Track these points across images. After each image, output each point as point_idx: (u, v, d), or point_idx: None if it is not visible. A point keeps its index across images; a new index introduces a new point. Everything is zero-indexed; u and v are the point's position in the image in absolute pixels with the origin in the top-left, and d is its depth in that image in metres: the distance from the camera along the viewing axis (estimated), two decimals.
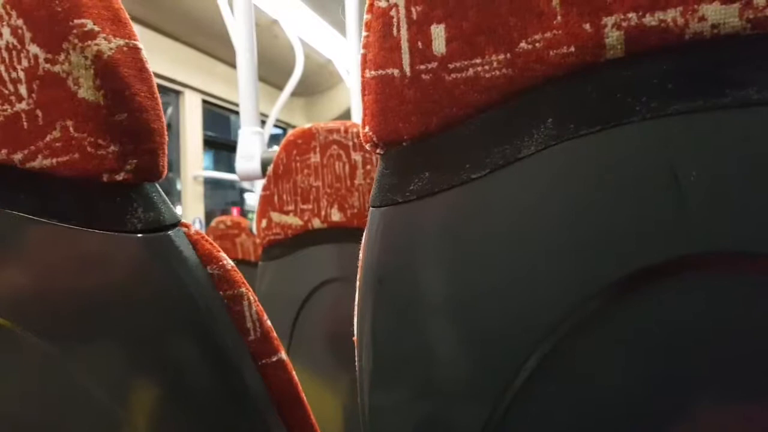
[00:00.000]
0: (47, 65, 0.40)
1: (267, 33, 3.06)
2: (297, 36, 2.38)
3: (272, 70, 3.14)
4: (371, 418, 0.41)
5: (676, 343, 0.33)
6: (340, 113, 4.23)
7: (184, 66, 3.11)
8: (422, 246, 0.38)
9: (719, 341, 0.32)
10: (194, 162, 3.16)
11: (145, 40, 2.75)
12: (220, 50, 3.22)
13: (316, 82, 4.08)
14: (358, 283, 0.41)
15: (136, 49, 0.42)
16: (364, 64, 0.37)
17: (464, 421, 0.37)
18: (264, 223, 1.10)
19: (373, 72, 0.36)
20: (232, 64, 1.47)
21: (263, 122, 1.80)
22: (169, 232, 0.43)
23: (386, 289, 0.39)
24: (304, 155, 1.05)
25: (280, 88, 2.38)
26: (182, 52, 3.13)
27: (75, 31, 0.40)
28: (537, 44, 0.33)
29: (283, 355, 0.47)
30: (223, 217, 2.17)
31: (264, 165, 1.42)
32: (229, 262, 0.44)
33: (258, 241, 1.13)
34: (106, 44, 0.40)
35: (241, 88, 1.44)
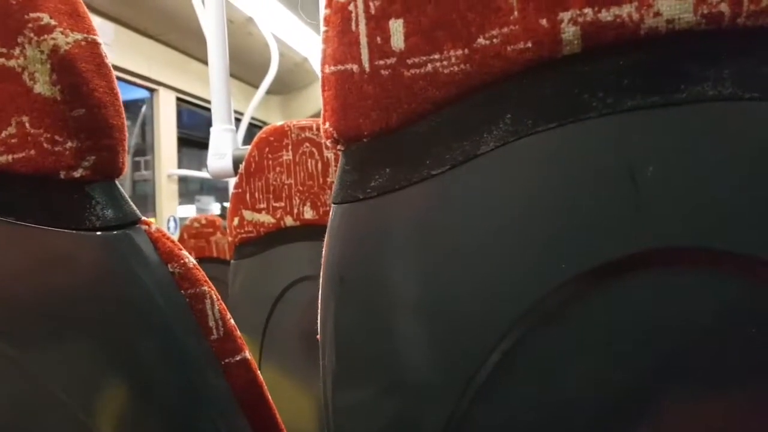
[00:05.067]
0: (1, 60, 0.39)
1: (242, 31, 3.03)
2: (272, 34, 2.36)
3: (248, 68, 3.11)
4: (335, 417, 0.40)
5: (637, 337, 0.33)
6: (316, 111, 4.21)
7: (158, 64, 3.08)
8: (383, 243, 0.37)
9: (681, 335, 0.33)
10: (168, 160, 3.13)
11: (119, 37, 2.72)
12: (195, 48, 3.19)
13: (292, 80, 4.06)
14: (320, 280, 0.40)
15: (94, 44, 0.41)
16: (324, 59, 0.37)
17: (428, 417, 0.37)
18: (236, 221, 1.09)
19: (332, 67, 0.36)
20: (207, 62, 1.46)
21: (238, 120, 1.78)
22: (129, 230, 0.42)
23: (348, 287, 0.38)
24: (276, 153, 1.04)
25: (255, 86, 2.37)
26: (156, 49, 3.09)
27: (30, 24, 0.39)
28: (495, 40, 0.32)
29: (247, 354, 0.46)
30: (198, 216, 2.15)
31: (236, 162, 1.41)
32: (191, 260, 0.44)
33: (230, 239, 1.12)
34: (63, 38, 0.39)
35: (213, 84, 1.43)
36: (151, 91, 3.12)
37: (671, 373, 0.33)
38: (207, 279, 0.45)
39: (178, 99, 3.28)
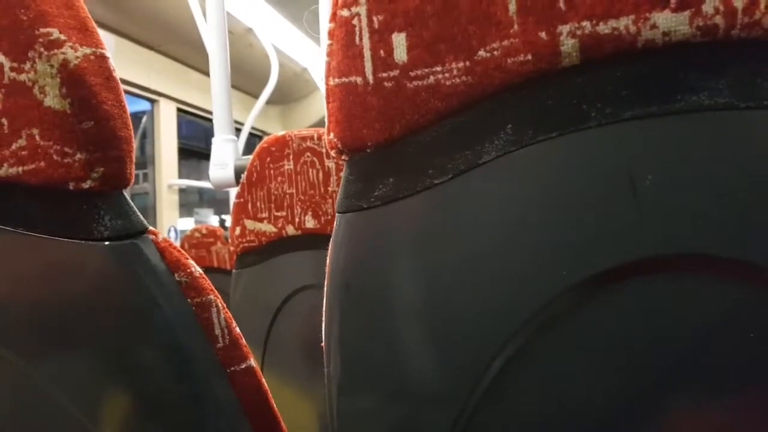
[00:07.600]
0: (12, 74, 0.40)
1: (242, 42, 3.05)
2: (272, 44, 2.37)
3: (248, 78, 3.12)
4: (340, 423, 0.41)
5: (639, 343, 0.34)
6: (316, 121, 4.23)
7: (159, 74, 3.09)
8: (388, 251, 0.38)
9: (681, 341, 0.33)
10: (169, 171, 3.14)
11: (120, 48, 2.73)
12: (195, 59, 3.21)
13: (292, 91, 4.08)
14: (325, 288, 0.41)
15: (103, 58, 0.42)
16: (329, 71, 0.37)
17: (432, 423, 0.37)
18: (238, 230, 1.09)
19: (336, 79, 0.37)
20: (207, 73, 1.46)
21: (238, 130, 1.79)
22: (137, 240, 0.43)
23: (353, 295, 0.39)
24: (277, 162, 1.05)
25: (255, 96, 2.38)
26: (157, 60, 3.11)
27: (41, 39, 0.40)
28: (495, 52, 0.33)
29: (252, 362, 0.47)
30: (199, 226, 2.15)
31: (238, 173, 1.41)
32: (197, 270, 0.44)
33: (232, 248, 1.13)
34: (73, 53, 0.40)
35: (214, 95, 1.43)
36: (152, 101, 3.14)
37: (673, 378, 0.34)
38: (213, 288, 0.45)
39: (179, 109, 3.30)
